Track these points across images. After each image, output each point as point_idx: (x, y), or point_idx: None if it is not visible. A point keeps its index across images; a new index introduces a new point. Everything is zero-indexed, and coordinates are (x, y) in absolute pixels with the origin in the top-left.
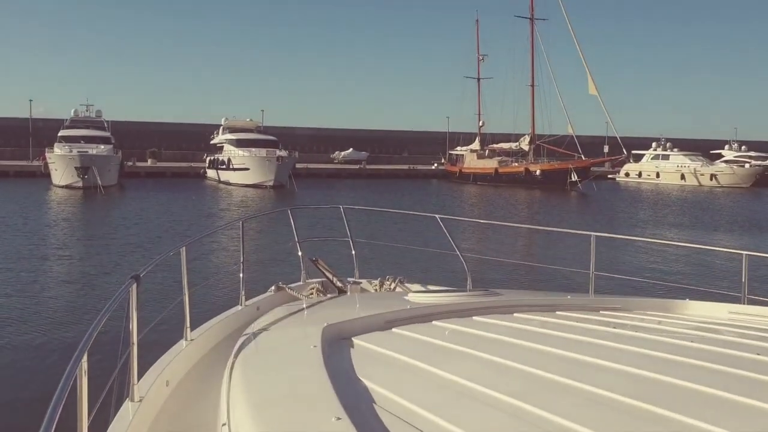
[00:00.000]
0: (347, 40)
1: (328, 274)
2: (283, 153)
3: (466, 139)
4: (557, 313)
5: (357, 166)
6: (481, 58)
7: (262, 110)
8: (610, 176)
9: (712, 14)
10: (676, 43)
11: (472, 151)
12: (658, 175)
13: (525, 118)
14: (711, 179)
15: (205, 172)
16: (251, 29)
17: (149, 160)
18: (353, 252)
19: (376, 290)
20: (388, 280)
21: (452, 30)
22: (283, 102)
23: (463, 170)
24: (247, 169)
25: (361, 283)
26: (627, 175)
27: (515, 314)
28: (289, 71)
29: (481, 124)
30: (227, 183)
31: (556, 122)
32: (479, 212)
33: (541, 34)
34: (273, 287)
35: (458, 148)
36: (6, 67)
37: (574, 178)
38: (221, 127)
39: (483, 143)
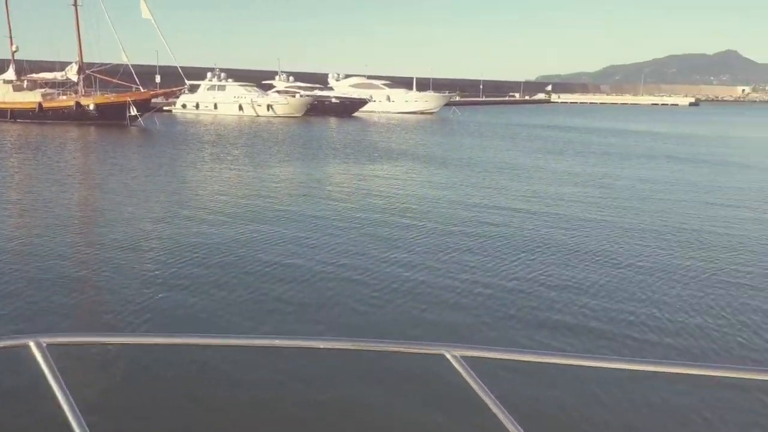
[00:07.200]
0: None
1: None
2: None
3: None
4: None
5: None
6: None
7: None
8: (166, 108)
9: None
10: None
11: (5, 81)
12: (216, 107)
13: (71, 43)
14: (268, 110)
15: None
16: None
17: None
18: None
19: None
20: None
21: None
22: None
23: None
24: None
25: None
26: (184, 106)
27: None
28: None
29: (14, 49)
30: None
31: (107, 49)
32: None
33: None
34: None
35: None
36: None
37: (134, 112)
38: None
39: (20, 73)
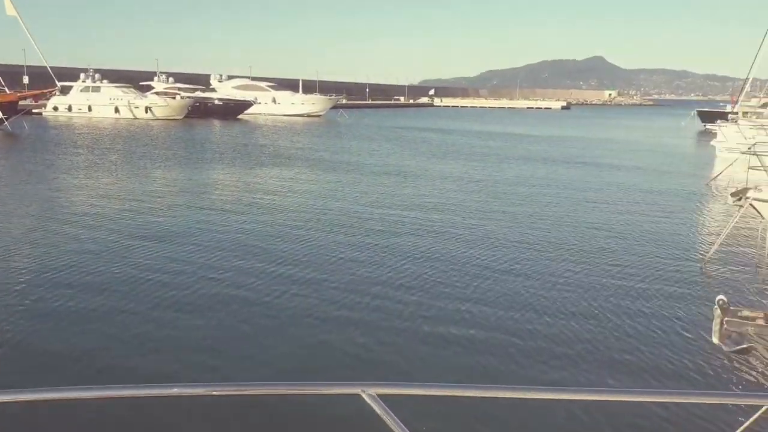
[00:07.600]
0: None
1: None
2: None
3: None
4: None
5: None
6: None
7: None
8: (35, 111)
9: None
10: None
11: None
12: (90, 109)
13: None
14: (146, 112)
15: None
16: None
17: None
18: None
19: None
20: None
21: None
22: None
23: None
24: None
25: None
26: (56, 109)
27: None
28: None
29: None
30: None
31: None
32: None
33: None
34: None
35: None
36: None
37: (0, 115)
38: None
39: None
